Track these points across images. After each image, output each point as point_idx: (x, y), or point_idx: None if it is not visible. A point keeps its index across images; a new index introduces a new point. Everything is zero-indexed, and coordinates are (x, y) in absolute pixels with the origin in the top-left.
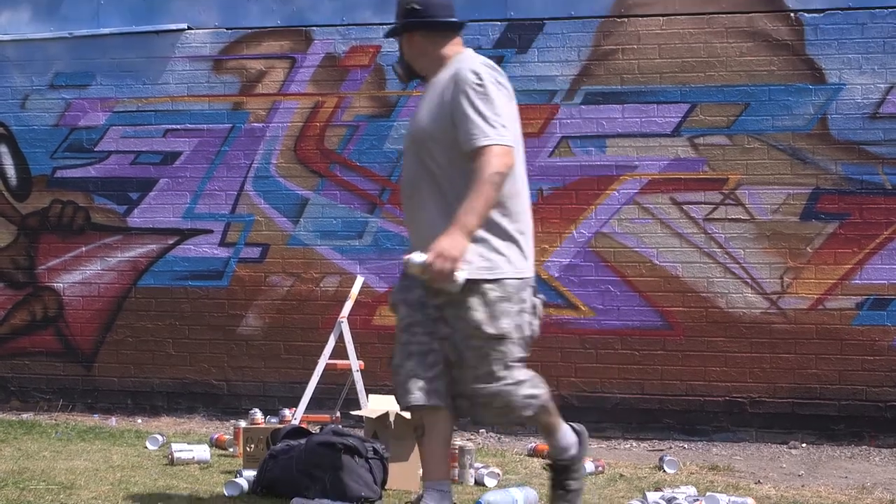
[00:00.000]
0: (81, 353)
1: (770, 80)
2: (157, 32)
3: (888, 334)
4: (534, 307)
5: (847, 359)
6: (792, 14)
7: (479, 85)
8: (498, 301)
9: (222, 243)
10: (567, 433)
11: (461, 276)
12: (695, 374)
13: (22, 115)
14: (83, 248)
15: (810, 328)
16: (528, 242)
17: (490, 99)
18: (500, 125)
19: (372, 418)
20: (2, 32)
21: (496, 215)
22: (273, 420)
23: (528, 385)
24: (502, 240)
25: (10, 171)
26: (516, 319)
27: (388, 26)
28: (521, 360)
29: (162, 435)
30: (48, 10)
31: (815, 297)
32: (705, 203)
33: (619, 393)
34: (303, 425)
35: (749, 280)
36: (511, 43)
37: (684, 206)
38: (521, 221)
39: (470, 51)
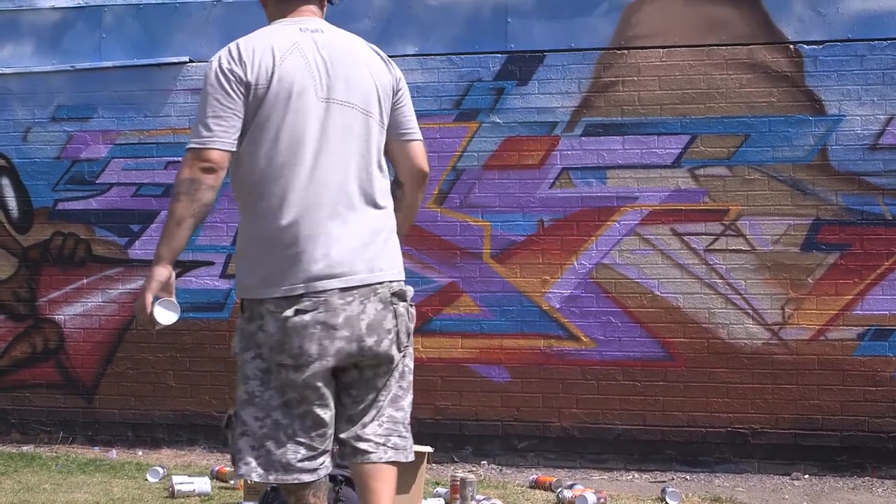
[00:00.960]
0: (82, 386)
1: (770, 112)
2: (158, 65)
3: (890, 365)
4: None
5: (849, 389)
6: (791, 46)
7: (205, 83)
8: (239, 324)
9: (223, 275)
10: None
11: (158, 314)
12: (696, 405)
13: (24, 148)
14: (84, 280)
15: (812, 359)
16: (257, 251)
17: (203, 97)
18: (200, 125)
19: None
20: (4, 66)
21: (242, 225)
22: None
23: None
24: (237, 255)
25: (12, 204)
26: (248, 341)
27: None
28: (250, 393)
29: (163, 467)
30: (51, 44)
31: (817, 327)
32: (706, 234)
33: (620, 424)
34: None
35: (750, 311)
36: (511, 75)
37: (685, 237)
38: (261, 225)
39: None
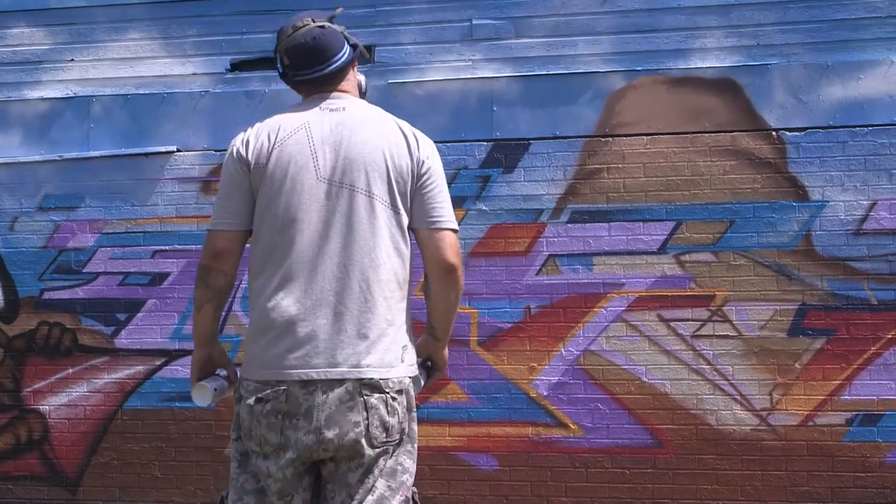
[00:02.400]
0: (66, 477)
1: (754, 198)
2: (146, 155)
3: (880, 450)
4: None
5: (839, 475)
6: (774, 133)
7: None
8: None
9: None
10: None
11: (196, 396)
12: (686, 493)
13: (10, 238)
14: (70, 370)
15: (801, 445)
16: (249, 333)
17: (221, 178)
18: (215, 206)
19: None
20: None
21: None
22: None
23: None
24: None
25: None
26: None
27: None
28: (231, 475)
29: None
30: (39, 134)
31: (805, 413)
32: (693, 320)
33: None
34: None
35: (738, 396)
36: (497, 162)
37: (672, 323)
38: (254, 305)
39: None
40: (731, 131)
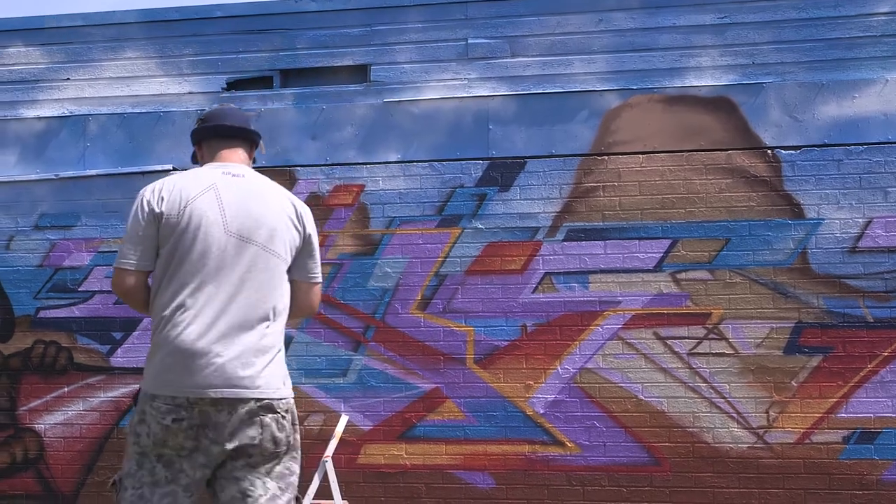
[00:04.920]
0: (62, 496)
1: (750, 216)
2: (142, 173)
3: (876, 468)
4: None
5: (836, 493)
6: (769, 151)
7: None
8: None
9: None
10: None
11: None
12: None
13: (6, 256)
14: (65, 389)
15: (798, 462)
16: (157, 356)
17: (128, 223)
18: (122, 247)
19: None
20: None
21: (153, 325)
22: None
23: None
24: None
25: None
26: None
27: (372, 165)
28: (130, 468)
29: None
30: (35, 153)
31: (802, 430)
32: (689, 338)
33: None
34: None
35: (735, 414)
36: (493, 181)
37: (668, 341)
38: (162, 331)
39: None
40: (727, 149)
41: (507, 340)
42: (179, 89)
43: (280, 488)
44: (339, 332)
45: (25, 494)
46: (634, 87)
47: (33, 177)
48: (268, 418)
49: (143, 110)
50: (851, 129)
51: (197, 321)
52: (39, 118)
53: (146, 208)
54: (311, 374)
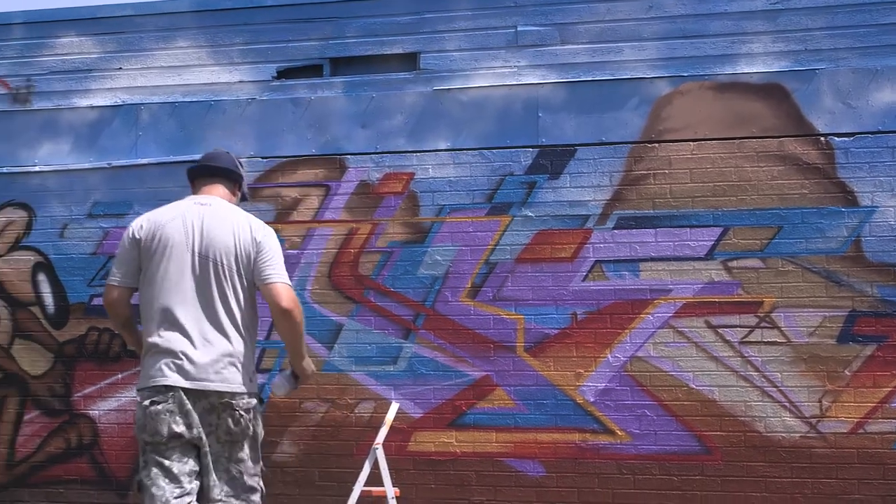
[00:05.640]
0: (115, 481)
1: (802, 204)
2: (193, 162)
3: None
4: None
5: (890, 483)
6: (822, 138)
7: None
8: None
9: (257, 369)
10: None
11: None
12: (735, 500)
13: (61, 244)
14: (119, 375)
15: (851, 452)
16: (143, 358)
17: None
18: (111, 270)
19: None
20: (43, 163)
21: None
22: None
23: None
24: None
25: (48, 300)
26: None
27: (422, 153)
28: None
29: None
30: (88, 142)
31: (856, 420)
32: (740, 326)
33: None
34: None
35: (787, 404)
36: (543, 169)
37: (719, 330)
38: (145, 336)
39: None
40: (779, 136)
41: (557, 328)
42: (230, 78)
43: (239, 470)
44: (390, 319)
45: (80, 479)
46: (685, 74)
47: (86, 165)
48: (224, 413)
49: (194, 99)
50: None
51: (164, 328)
52: (92, 107)
53: (130, 235)
54: (361, 362)
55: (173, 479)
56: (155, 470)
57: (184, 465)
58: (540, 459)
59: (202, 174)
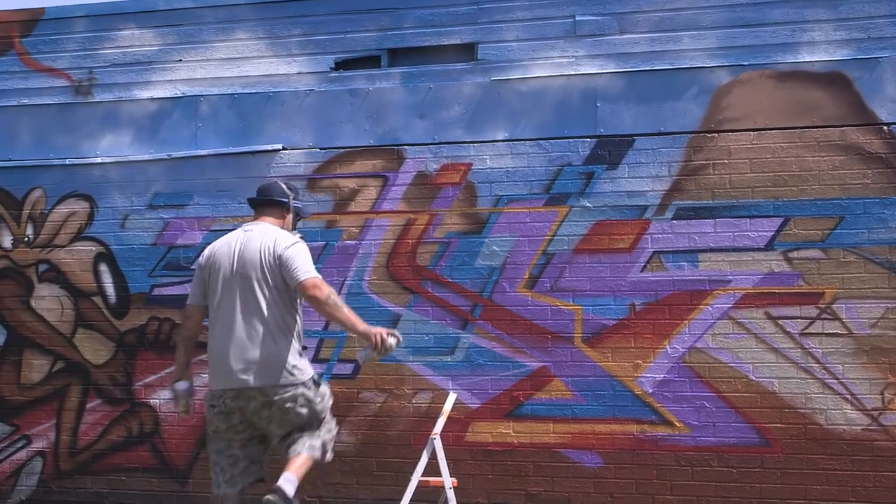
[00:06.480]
0: (176, 469)
1: (865, 194)
2: (252, 153)
3: None
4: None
5: None
6: (885, 127)
7: None
8: None
9: (315, 359)
10: None
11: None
12: (795, 493)
13: (122, 235)
14: None
15: None
16: (210, 361)
17: None
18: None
19: None
20: (104, 155)
21: None
22: None
23: None
24: None
25: (110, 290)
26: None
27: (479, 144)
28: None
29: None
30: (148, 134)
31: None
32: (801, 317)
33: None
34: None
35: (848, 396)
36: (601, 159)
37: (780, 321)
38: (208, 350)
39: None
40: (841, 126)
41: (615, 319)
42: (288, 70)
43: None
44: (447, 310)
45: (141, 467)
46: (745, 63)
47: (147, 157)
48: (275, 405)
49: (253, 91)
50: None
51: (220, 341)
52: (153, 99)
53: (198, 263)
54: (419, 352)
55: (231, 461)
56: (215, 456)
57: (235, 451)
58: (597, 450)
59: (255, 204)
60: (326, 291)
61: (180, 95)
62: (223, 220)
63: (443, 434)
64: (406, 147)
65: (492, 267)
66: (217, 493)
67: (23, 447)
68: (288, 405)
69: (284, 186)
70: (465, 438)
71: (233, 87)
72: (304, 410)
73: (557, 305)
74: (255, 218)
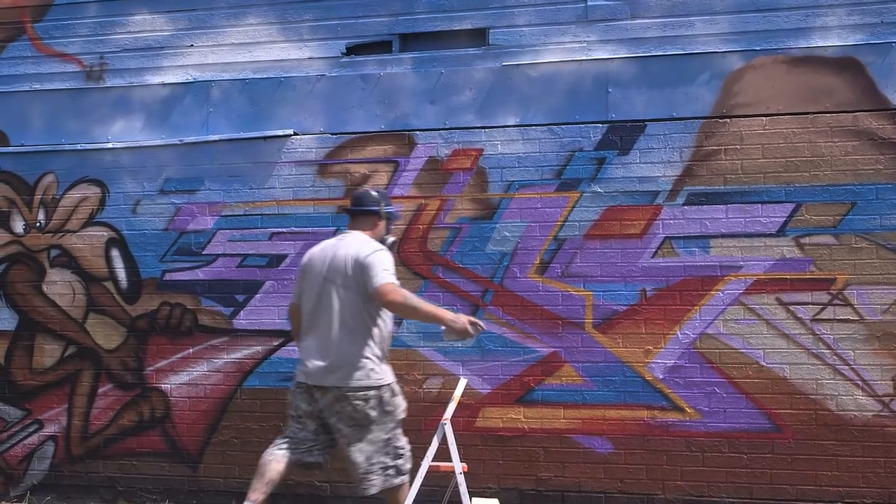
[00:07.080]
0: (187, 454)
1: (877, 179)
2: (264, 138)
3: None
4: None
5: None
6: None
7: None
8: None
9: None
10: None
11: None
12: (805, 479)
13: (133, 220)
14: (190, 350)
15: None
16: (300, 358)
17: None
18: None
19: None
20: (116, 140)
21: None
22: None
23: None
24: None
25: (121, 275)
26: None
27: (490, 129)
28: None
29: None
30: (160, 119)
31: None
32: (812, 303)
33: (727, 497)
34: None
35: (860, 382)
36: (612, 144)
37: (791, 307)
38: (300, 347)
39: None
40: (853, 111)
41: (626, 305)
42: (300, 55)
43: (372, 450)
44: (458, 295)
45: (152, 452)
46: (757, 48)
47: (158, 142)
48: (346, 403)
49: (265, 76)
50: None
51: (308, 338)
52: (164, 84)
53: (300, 266)
54: (429, 338)
55: (298, 440)
56: (287, 431)
57: (307, 433)
58: (608, 436)
59: (349, 214)
60: (401, 295)
61: (192, 81)
62: (234, 205)
63: (453, 419)
64: (417, 132)
65: (503, 252)
66: (271, 449)
67: (35, 432)
68: (359, 404)
69: (375, 194)
70: (476, 424)
71: (244, 73)
72: (373, 413)
73: (568, 291)
74: (350, 227)
